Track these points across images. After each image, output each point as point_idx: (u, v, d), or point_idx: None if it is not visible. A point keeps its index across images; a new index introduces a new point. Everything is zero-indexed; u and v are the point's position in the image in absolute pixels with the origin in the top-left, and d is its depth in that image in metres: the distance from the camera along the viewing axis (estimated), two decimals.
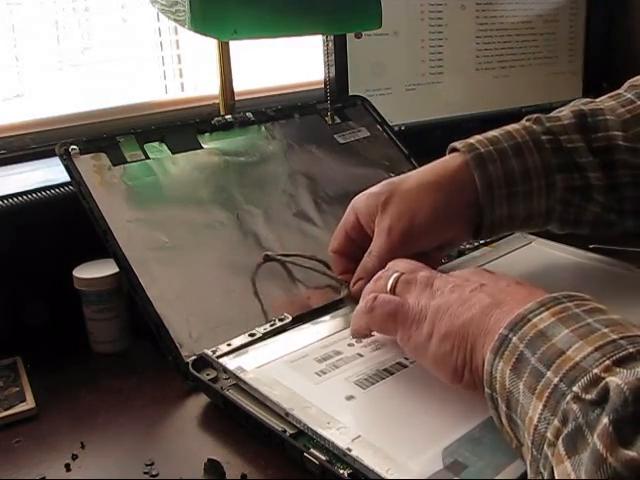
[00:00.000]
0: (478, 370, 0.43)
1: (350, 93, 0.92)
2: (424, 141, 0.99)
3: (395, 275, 0.51)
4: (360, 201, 0.63)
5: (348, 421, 0.47)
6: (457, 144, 0.63)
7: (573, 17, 1.17)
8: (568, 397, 0.35)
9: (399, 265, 0.54)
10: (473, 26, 1.04)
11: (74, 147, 0.68)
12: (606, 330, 0.38)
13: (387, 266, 0.55)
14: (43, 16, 0.91)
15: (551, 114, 0.66)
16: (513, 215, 0.62)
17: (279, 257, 0.69)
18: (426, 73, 1.01)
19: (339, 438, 0.45)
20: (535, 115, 0.65)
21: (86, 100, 0.95)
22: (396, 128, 0.94)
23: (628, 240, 0.70)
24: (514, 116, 1.11)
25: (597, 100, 0.67)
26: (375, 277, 0.54)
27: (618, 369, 0.35)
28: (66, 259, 0.67)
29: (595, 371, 0.35)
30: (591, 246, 0.74)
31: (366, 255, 0.61)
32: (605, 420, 0.32)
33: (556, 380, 0.36)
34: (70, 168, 0.67)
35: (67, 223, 0.69)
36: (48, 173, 0.75)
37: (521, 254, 0.71)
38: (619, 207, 0.63)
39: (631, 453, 0.31)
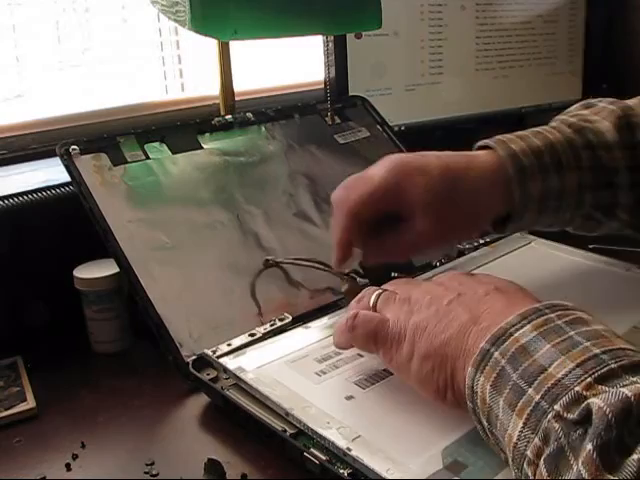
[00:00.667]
0: (460, 391, 0.43)
1: (350, 93, 0.92)
2: (424, 141, 0.99)
3: (376, 293, 0.51)
4: (413, 172, 0.57)
5: (348, 421, 0.47)
6: (501, 151, 0.60)
7: (573, 17, 1.17)
8: (549, 415, 0.35)
9: (384, 287, 0.53)
10: (473, 26, 1.04)
11: (74, 147, 0.68)
12: (588, 344, 0.37)
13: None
14: (44, 16, 0.91)
15: (591, 119, 0.64)
16: (537, 224, 0.63)
17: (279, 261, 0.69)
18: (426, 73, 1.01)
19: (339, 438, 0.45)
20: (578, 123, 0.63)
21: (86, 100, 0.95)
22: (396, 128, 0.94)
23: (628, 240, 0.70)
24: (514, 116, 1.13)
25: (631, 103, 0.66)
26: (357, 298, 0.53)
27: (600, 386, 0.34)
28: (66, 259, 0.67)
29: (577, 389, 0.35)
30: (591, 246, 0.75)
31: (403, 230, 0.58)
32: (589, 446, 0.32)
33: (537, 398, 0.36)
34: (70, 168, 0.67)
35: (68, 223, 0.69)
36: (48, 173, 0.75)
37: (521, 254, 0.72)
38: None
39: (615, 479, 0.31)
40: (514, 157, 0.59)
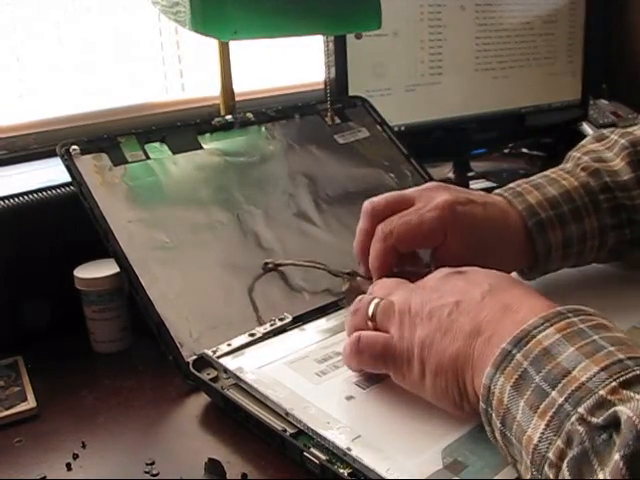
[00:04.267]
0: (475, 401, 0.43)
1: (350, 93, 0.92)
2: (424, 141, 1.00)
3: (374, 303, 0.51)
4: (467, 214, 0.58)
5: (348, 421, 0.47)
6: (518, 205, 0.61)
7: (573, 17, 1.17)
8: (573, 418, 0.35)
9: (375, 290, 0.53)
10: (472, 27, 1.04)
11: (75, 147, 0.68)
12: (612, 349, 0.37)
13: (368, 292, 0.54)
14: (44, 16, 0.91)
15: (607, 161, 0.64)
16: (561, 268, 0.64)
17: (278, 263, 0.69)
18: (426, 74, 1.01)
19: (339, 438, 0.45)
20: (593, 166, 0.63)
21: (87, 100, 0.95)
22: (396, 128, 0.94)
23: None
24: (513, 116, 1.13)
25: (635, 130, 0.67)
26: (352, 309, 0.53)
27: (625, 391, 0.34)
28: (67, 259, 0.67)
29: (601, 392, 0.35)
30: None
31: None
32: (617, 457, 0.31)
33: (561, 400, 0.36)
34: (71, 168, 0.67)
35: (68, 223, 0.69)
36: (49, 173, 0.75)
37: None
38: None
39: None
40: (531, 210, 0.60)
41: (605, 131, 0.69)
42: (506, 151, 1.26)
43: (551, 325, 0.40)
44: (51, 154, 0.72)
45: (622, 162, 0.64)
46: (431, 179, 0.85)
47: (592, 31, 1.19)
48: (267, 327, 0.61)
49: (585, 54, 1.19)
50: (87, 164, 0.68)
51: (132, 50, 1.00)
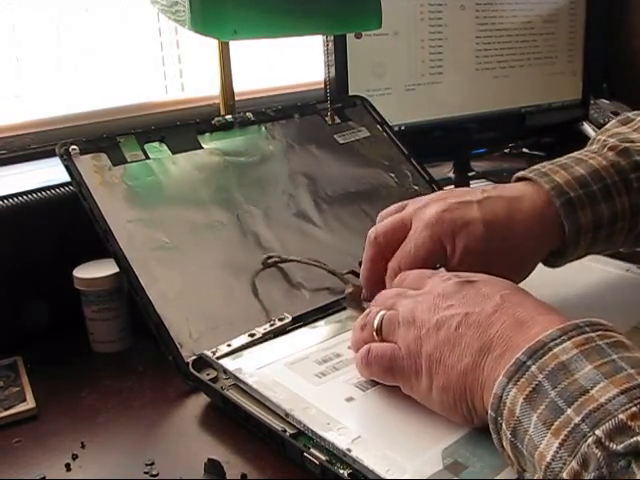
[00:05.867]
0: (485, 417, 0.42)
1: (350, 93, 0.92)
2: (424, 141, 1.00)
3: (379, 316, 0.50)
4: (465, 238, 0.55)
5: (348, 422, 0.47)
6: (545, 184, 0.57)
7: (573, 17, 1.16)
8: (590, 440, 0.34)
9: (379, 302, 0.53)
10: (473, 26, 1.04)
11: (74, 147, 0.68)
12: (632, 371, 0.36)
13: (372, 302, 0.54)
14: (43, 16, 0.91)
15: (635, 141, 0.62)
16: (590, 252, 0.61)
17: (280, 259, 0.69)
18: (426, 73, 1.01)
19: (339, 439, 0.45)
20: (621, 145, 0.61)
21: (86, 100, 0.95)
22: (396, 128, 0.94)
23: None
24: (514, 116, 1.13)
25: None
26: (360, 324, 0.52)
27: None
28: (66, 259, 0.67)
29: (621, 417, 0.34)
30: None
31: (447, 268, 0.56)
32: None
33: (577, 420, 0.35)
34: (70, 168, 0.67)
35: (67, 223, 0.69)
36: (48, 173, 0.75)
37: None
38: None
39: None
40: (559, 189, 0.57)
41: (630, 114, 0.67)
42: (506, 151, 1.26)
43: (569, 339, 0.39)
44: (50, 154, 0.72)
45: None
46: (431, 179, 0.85)
47: (592, 31, 1.19)
48: (267, 327, 0.61)
49: (585, 54, 1.19)
50: (86, 164, 0.68)
51: (132, 50, 1.00)
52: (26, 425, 0.55)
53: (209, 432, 0.54)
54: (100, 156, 0.69)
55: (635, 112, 0.67)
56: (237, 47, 0.87)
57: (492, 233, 0.55)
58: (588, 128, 1.21)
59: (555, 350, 0.38)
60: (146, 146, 0.73)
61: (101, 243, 0.64)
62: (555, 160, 0.61)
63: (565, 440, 0.35)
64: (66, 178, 0.68)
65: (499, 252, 0.56)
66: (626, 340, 0.40)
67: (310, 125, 0.85)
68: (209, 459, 0.48)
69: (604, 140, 0.63)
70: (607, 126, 0.67)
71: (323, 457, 0.45)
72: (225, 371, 0.55)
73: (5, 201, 0.67)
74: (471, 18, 1.03)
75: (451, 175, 1.14)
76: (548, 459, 0.35)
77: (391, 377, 0.49)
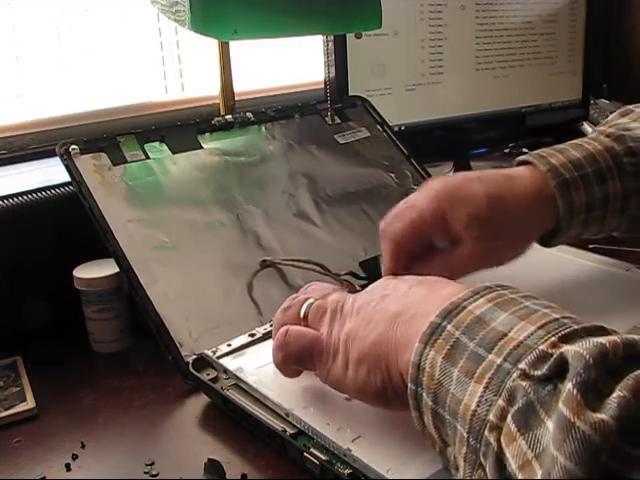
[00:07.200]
0: (399, 386, 0.42)
1: (350, 93, 0.92)
2: (424, 141, 1.00)
3: (307, 303, 0.50)
4: (458, 203, 0.56)
5: (348, 422, 0.47)
6: (541, 166, 0.60)
7: (573, 17, 1.16)
8: (514, 375, 0.33)
9: (310, 291, 0.53)
10: (473, 26, 1.04)
11: (74, 147, 0.68)
12: (546, 310, 0.37)
13: (300, 292, 0.54)
14: (43, 16, 0.91)
15: (631, 126, 0.64)
16: (583, 234, 0.63)
17: (276, 262, 0.69)
18: (426, 73, 1.01)
19: (339, 438, 0.45)
20: (618, 132, 0.63)
21: (86, 100, 0.95)
22: (396, 128, 0.94)
23: (628, 240, 0.70)
24: (514, 116, 1.13)
25: None
26: (284, 306, 0.52)
27: (565, 345, 0.33)
28: (66, 259, 0.67)
29: (542, 347, 0.34)
30: (590, 246, 0.75)
31: (451, 254, 0.57)
32: (569, 385, 0.31)
33: (499, 361, 0.35)
34: (70, 168, 0.67)
35: (67, 223, 0.69)
36: (48, 173, 0.75)
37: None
38: None
39: (600, 415, 0.29)
40: (555, 171, 0.59)
41: (631, 106, 0.69)
42: (506, 151, 1.26)
43: (481, 296, 0.39)
44: (50, 154, 0.72)
45: None
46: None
47: (593, 31, 1.19)
48: (267, 327, 0.61)
49: (586, 54, 1.19)
50: (86, 164, 0.68)
51: (132, 50, 1.00)
52: (26, 425, 0.55)
53: (209, 432, 0.54)
54: (100, 156, 0.69)
55: (636, 105, 0.68)
56: (237, 47, 0.87)
57: (494, 205, 0.57)
58: (588, 128, 1.21)
59: (469, 307, 0.39)
60: (146, 146, 0.73)
61: (101, 243, 0.64)
62: (554, 146, 0.63)
63: (489, 382, 0.34)
64: (66, 178, 0.68)
65: (500, 224, 0.57)
66: (537, 296, 0.40)
67: (310, 125, 0.85)
68: (209, 459, 0.48)
69: (602, 130, 0.65)
70: (608, 118, 0.69)
71: (323, 457, 0.45)
72: (225, 370, 0.55)
73: (5, 201, 0.67)
74: (471, 18, 1.03)
75: (451, 175, 1.14)
76: (473, 407, 0.34)
77: (308, 358, 0.48)
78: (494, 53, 1.07)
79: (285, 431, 0.48)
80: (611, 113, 1.25)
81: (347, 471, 0.44)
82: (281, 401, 0.49)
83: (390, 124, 0.90)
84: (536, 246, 0.75)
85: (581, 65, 1.19)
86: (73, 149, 0.68)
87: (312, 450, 0.46)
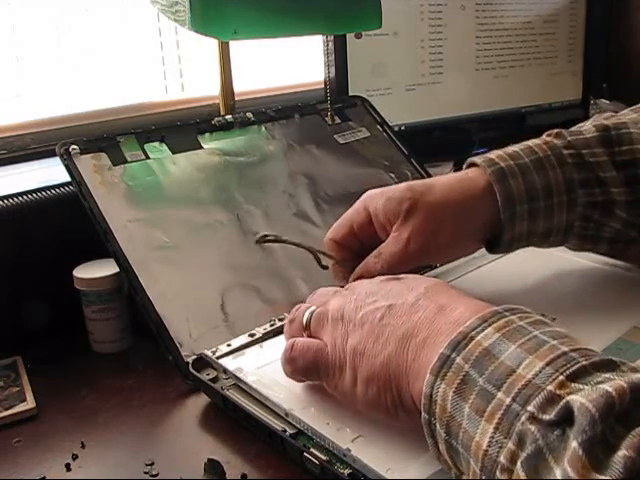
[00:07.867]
0: (411, 408, 0.42)
1: (350, 93, 0.92)
2: (424, 141, 1.00)
3: (308, 311, 0.50)
4: (377, 201, 0.59)
5: (348, 422, 0.47)
6: (477, 159, 0.61)
7: (573, 17, 1.17)
8: (523, 417, 0.33)
9: (312, 299, 0.52)
10: (473, 26, 1.04)
11: (74, 147, 0.68)
12: (555, 342, 0.36)
13: (307, 300, 0.54)
14: (43, 16, 0.91)
15: (573, 128, 0.64)
16: (532, 231, 0.60)
17: (273, 238, 0.68)
18: (426, 73, 1.01)
19: (339, 438, 0.45)
20: (556, 130, 0.63)
21: (86, 100, 0.95)
22: (396, 128, 0.94)
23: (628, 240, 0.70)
24: (514, 116, 1.13)
25: (619, 114, 0.66)
26: (290, 318, 0.52)
27: (573, 384, 0.33)
28: (66, 259, 0.67)
29: (549, 388, 0.33)
30: None
31: (373, 256, 0.58)
32: (574, 444, 0.30)
33: (508, 400, 0.34)
34: (70, 168, 0.67)
35: (67, 223, 0.69)
36: (48, 173, 0.75)
37: (519, 256, 0.71)
38: None
39: (604, 478, 0.29)
40: (490, 161, 0.59)
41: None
42: None
43: (489, 325, 0.39)
44: (50, 154, 0.72)
45: (589, 126, 0.63)
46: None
47: (592, 31, 1.19)
48: (267, 327, 0.61)
49: (586, 54, 1.19)
50: (86, 164, 0.68)
51: (132, 50, 1.00)
52: (26, 425, 0.55)
53: (209, 432, 0.54)
54: (100, 156, 0.69)
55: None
56: (237, 47, 0.87)
57: (417, 193, 0.58)
58: None
59: (477, 338, 0.38)
60: (146, 146, 0.73)
61: (101, 243, 0.64)
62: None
63: (499, 423, 0.34)
64: (66, 178, 0.68)
65: (426, 213, 0.57)
66: (546, 319, 0.40)
67: (310, 125, 0.85)
68: (209, 459, 0.48)
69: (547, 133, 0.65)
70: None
71: (323, 457, 0.45)
72: (225, 371, 0.55)
73: (5, 201, 0.67)
74: (471, 18, 1.03)
75: None
76: (484, 446, 0.34)
77: (315, 373, 0.48)
78: (494, 53, 1.07)
79: (285, 431, 0.48)
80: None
81: (347, 471, 0.44)
82: (281, 401, 0.49)
83: (390, 124, 0.90)
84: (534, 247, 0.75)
85: (581, 65, 1.19)
86: (73, 149, 0.68)
87: (312, 450, 0.46)
